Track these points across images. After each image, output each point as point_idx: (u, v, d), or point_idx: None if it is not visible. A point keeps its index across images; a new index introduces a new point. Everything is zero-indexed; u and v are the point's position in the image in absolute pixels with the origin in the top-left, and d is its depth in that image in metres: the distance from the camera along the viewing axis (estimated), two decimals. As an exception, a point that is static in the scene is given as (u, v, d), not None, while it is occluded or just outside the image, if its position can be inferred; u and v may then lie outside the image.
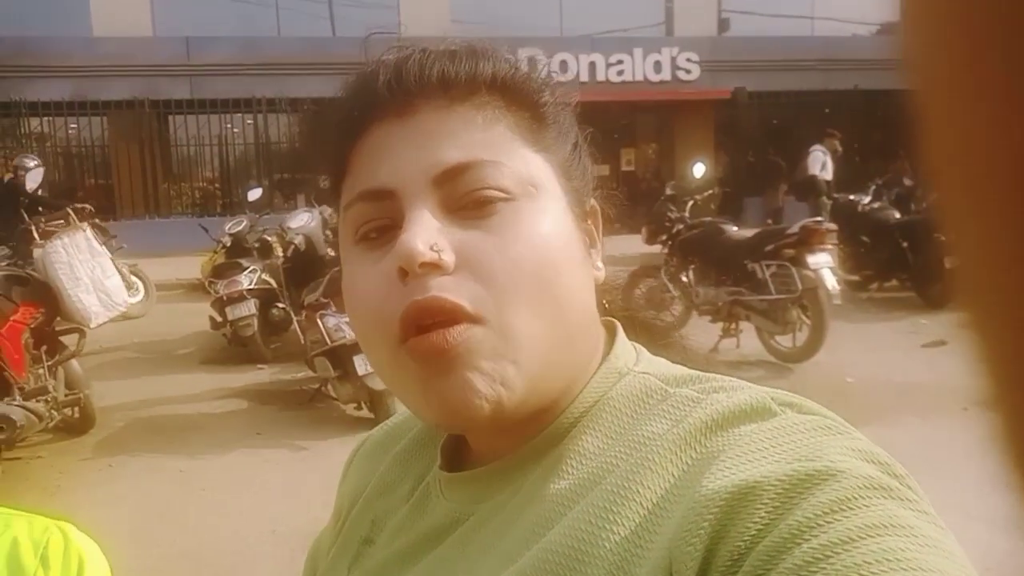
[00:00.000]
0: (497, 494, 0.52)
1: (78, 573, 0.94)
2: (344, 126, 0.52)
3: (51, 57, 13.32)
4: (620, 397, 0.51)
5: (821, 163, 10.77)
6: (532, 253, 0.48)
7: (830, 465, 0.39)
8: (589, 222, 0.56)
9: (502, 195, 0.48)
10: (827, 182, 10.61)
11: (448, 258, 0.47)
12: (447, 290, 0.46)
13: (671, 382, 0.50)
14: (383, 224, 0.50)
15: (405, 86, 0.50)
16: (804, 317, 5.21)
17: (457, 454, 0.58)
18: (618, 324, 0.57)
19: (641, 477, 0.44)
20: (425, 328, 0.46)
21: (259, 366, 6.20)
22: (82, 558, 0.95)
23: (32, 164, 7.50)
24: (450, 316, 0.46)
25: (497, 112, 0.51)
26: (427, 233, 0.47)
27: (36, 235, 4.59)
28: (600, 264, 0.56)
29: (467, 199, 0.48)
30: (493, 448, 0.54)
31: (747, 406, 0.45)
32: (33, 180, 5.91)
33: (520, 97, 0.53)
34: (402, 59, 0.51)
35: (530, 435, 0.52)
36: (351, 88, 0.53)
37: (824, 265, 5.17)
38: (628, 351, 0.55)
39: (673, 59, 15.30)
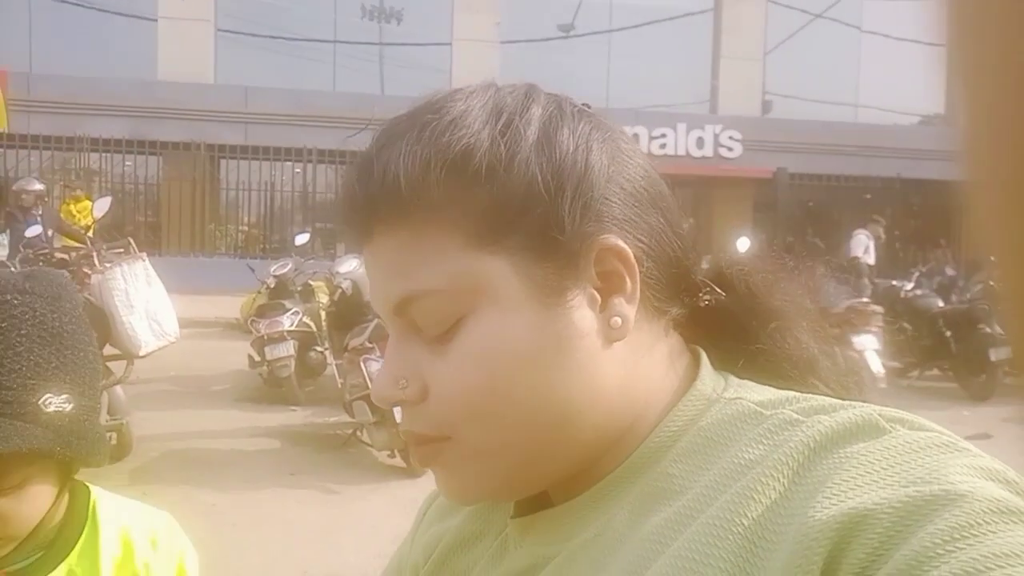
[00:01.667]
0: (580, 532, 0.50)
1: (180, 561, 0.98)
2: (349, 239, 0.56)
3: (115, 97, 13.91)
4: (711, 425, 0.48)
5: (864, 246, 10.80)
6: (480, 375, 0.48)
7: (950, 488, 0.36)
8: (613, 265, 0.49)
9: (451, 319, 0.49)
10: (869, 266, 10.59)
11: (413, 391, 0.50)
12: (415, 422, 0.51)
13: (766, 405, 0.47)
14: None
15: (361, 211, 0.50)
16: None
17: (534, 498, 0.55)
18: (702, 351, 0.54)
19: (743, 508, 0.41)
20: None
21: (292, 407, 6.22)
22: (184, 548, 0.99)
23: (36, 187, 8.01)
24: (420, 441, 0.51)
25: (434, 216, 0.48)
26: (394, 369, 0.51)
27: (96, 261, 4.71)
28: (619, 318, 0.49)
29: (424, 325, 0.50)
30: (567, 487, 0.52)
31: (853, 424, 0.42)
32: (100, 209, 6.10)
33: (468, 186, 0.48)
34: (362, 170, 0.50)
35: (607, 470, 0.50)
36: (340, 195, 0.54)
37: (869, 347, 5.11)
38: (715, 377, 0.52)
39: (716, 136, 15.52)
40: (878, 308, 5.40)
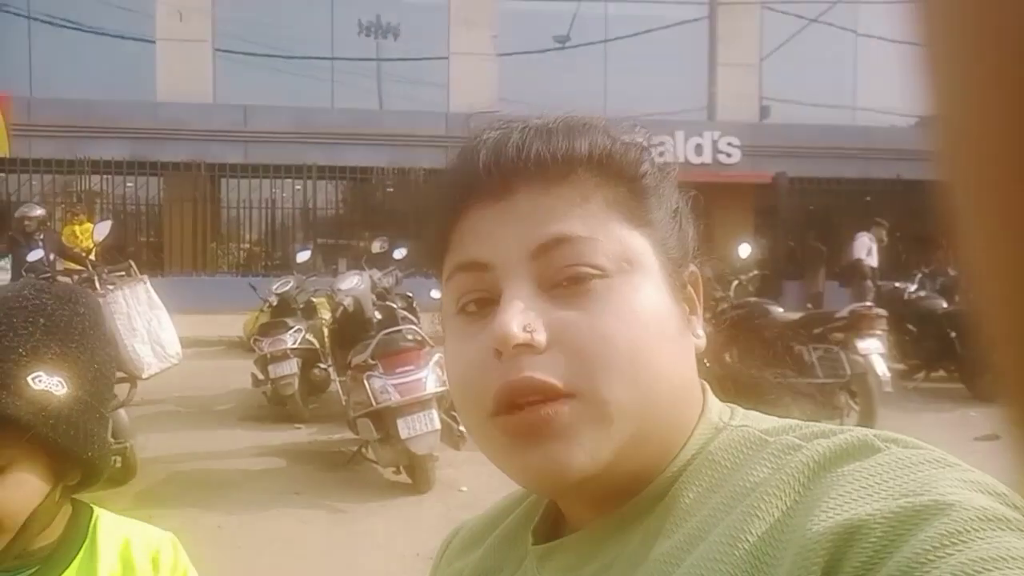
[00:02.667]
0: (598, 558, 0.51)
1: None
2: (446, 205, 0.54)
3: (116, 119, 13.98)
4: (718, 451, 0.50)
5: (867, 249, 10.77)
6: (623, 329, 0.48)
7: (939, 498, 0.38)
8: (689, 288, 0.56)
9: (596, 272, 0.49)
10: (872, 268, 10.56)
11: (540, 338, 0.48)
12: (539, 369, 0.48)
13: (770, 432, 0.50)
14: (481, 296, 0.52)
15: (503, 169, 0.52)
16: (852, 403, 5.10)
17: (553, 528, 0.57)
18: (706, 384, 0.57)
19: (748, 525, 0.43)
20: (519, 406, 0.48)
21: (296, 425, 6.21)
22: (186, 568, 0.99)
23: (37, 212, 8.04)
24: (542, 395, 0.48)
25: (594, 189, 0.52)
26: (521, 314, 0.48)
27: (98, 285, 4.71)
28: (700, 331, 0.56)
29: (562, 275, 0.50)
30: (588, 514, 0.53)
31: (849, 445, 0.44)
32: (100, 233, 6.12)
33: (617, 172, 0.53)
34: (501, 141, 0.53)
35: (624, 498, 0.52)
36: (454, 167, 0.55)
37: (874, 351, 5.08)
38: (721, 407, 0.55)
39: (715, 143, 15.53)
40: (882, 312, 5.38)
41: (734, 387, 0.60)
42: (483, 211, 0.52)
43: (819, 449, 0.45)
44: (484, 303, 0.52)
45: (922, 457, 0.42)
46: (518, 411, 0.48)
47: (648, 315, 0.50)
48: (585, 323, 0.48)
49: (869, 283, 8.85)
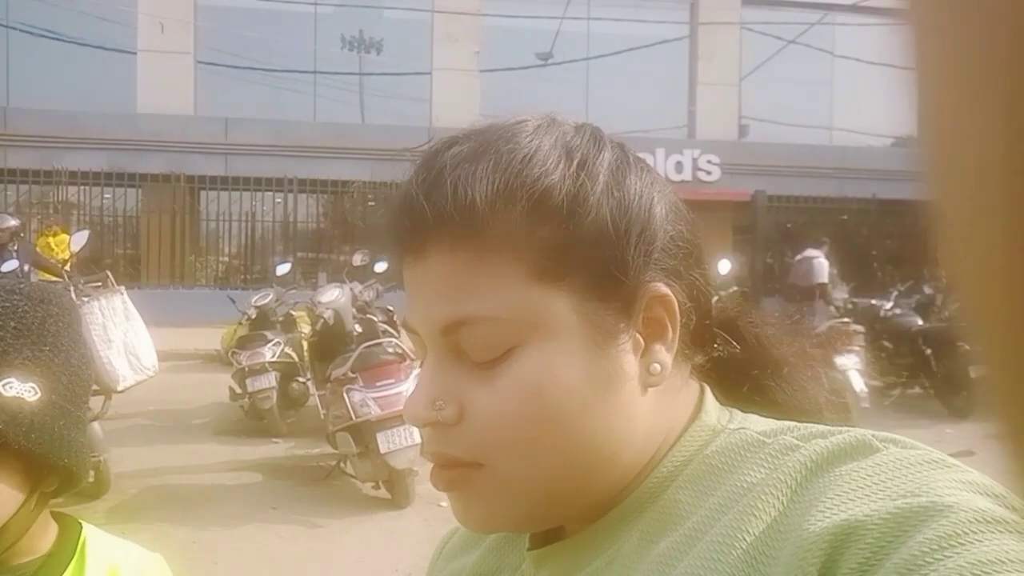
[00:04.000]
0: (593, 560, 0.51)
1: None
2: (392, 254, 0.55)
3: (94, 130, 13.85)
4: (715, 454, 0.50)
5: (826, 270, 10.77)
6: (523, 410, 0.48)
7: (937, 500, 0.37)
8: (657, 312, 0.51)
9: (501, 348, 0.49)
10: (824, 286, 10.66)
11: (448, 414, 0.50)
12: (447, 444, 0.50)
13: (768, 434, 0.49)
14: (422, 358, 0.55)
15: (416, 226, 0.50)
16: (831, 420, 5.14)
17: (550, 532, 0.57)
18: (705, 386, 0.56)
19: (745, 525, 0.43)
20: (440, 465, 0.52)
21: (274, 440, 6.15)
22: None
23: (11, 223, 7.93)
24: (449, 464, 0.51)
25: (499, 244, 0.48)
26: (430, 389, 0.50)
27: (73, 295, 4.65)
28: (658, 365, 0.51)
29: (472, 349, 0.50)
30: (580, 518, 0.53)
31: (847, 445, 0.44)
32: (77, 243, 6.05)
33: (521, 214, 0.48)
34: (422, 185, 0.50)
35: (616, 501, 0.52)
36: (389, 212, 0.53)
37: (852, 367, 5.14)
38: (720, 411, 0.54)
39: (695, 160, 15.70)
40: (859, 328, 5.45)
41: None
42: (409, 270, 0.52)
43: (817, 449, 0.45)
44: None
45: (920, 458, 0.42)
46: (438, 468, 0.52)
47: (556, 389, 0.48)
48: (489, 403, 0.49)
49: (833, 309, 8.89)
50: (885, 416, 7.04)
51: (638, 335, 0.51)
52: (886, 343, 7.79)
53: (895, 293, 8.82)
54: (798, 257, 11.15)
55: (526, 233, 0.48)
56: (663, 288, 0.51)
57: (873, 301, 8.68)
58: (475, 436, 0.49)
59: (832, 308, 8.81)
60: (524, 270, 0.48)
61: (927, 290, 8.92)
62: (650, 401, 0.51)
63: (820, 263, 10.75)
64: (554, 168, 0.49)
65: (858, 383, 5.12)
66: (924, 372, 7.50)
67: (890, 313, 8.24)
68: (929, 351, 7.38)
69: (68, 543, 0.92)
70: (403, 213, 0.50)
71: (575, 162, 0.50)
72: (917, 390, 7.81)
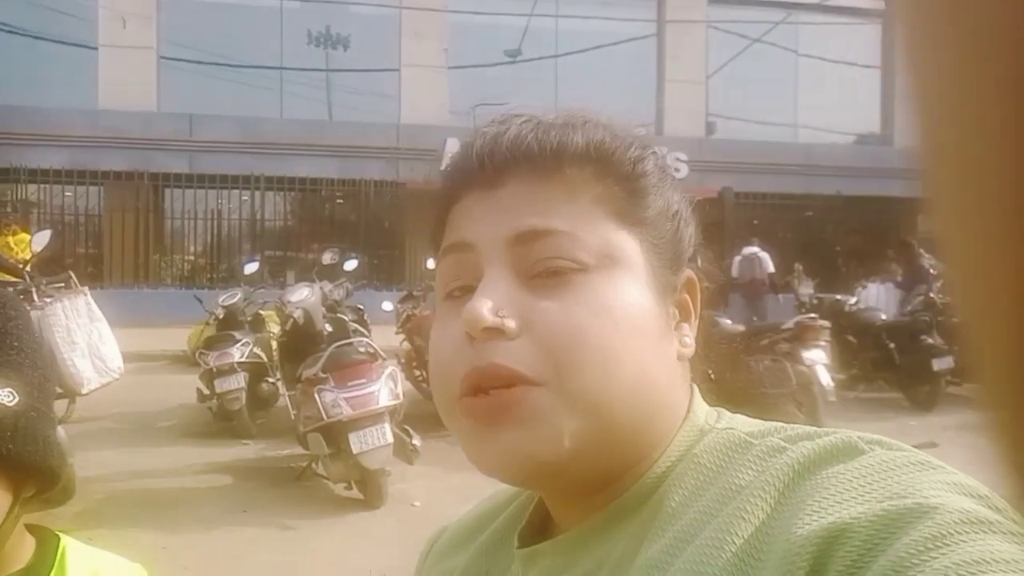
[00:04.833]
0: (584, 561, 0.51)
1: None
2: (445, 191, 0.57)
3: (54, 126, 13.54)
4: (704, 453, 0.51)
5: (770, 261, 11.30)
6: (595, 323, 0.48)
7: (923, 501, 0.38)
8: (684, 294, 0.56)
9: (574, 265, 0.50)
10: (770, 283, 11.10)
11: (511, 324, 0.49)
12: (507, 357, 0.48)
13: (755, 434, 0.50)
14: (466, 284, 0.53)
15: (496, 160, 0.53)
16: (799, 412, 5.23)
17: (541, 531, 0.57)
18: (694, 386, 0.57)
19: (734, 527, 0.43)
20: (484, 391, 0.49)
21: (244, 441, 6.07)
22: None
23: None
24: (507, 381, 0.48)
25: (583, 184, 0.52)
26: (494, 298, 0.49)
27: (35, 297, 4.55)
28: (689, 340, 0.55)
29: (540, 266, 0.50)
30: (573, 515, 0.54)
31: (833, 447, 0.45)
32: (38, 243, 5.91)
33: (612, 169, 0.53)
34: (497, 134, 0.54)
35: (608, 499, 0.52)
36: (455, 157, 0.57)
37: (819, 361, 5.23)
38: (708, 411, 0.55)
39: (663, 157, 15.82)
40: (826, 323, 5.54)
41: None
42: (475, 198, 0.54)
43: (803, 451, 0.45)
44: (468, 290, 0.52)
45: (906, 459, 0.43)
46: (483, 395, 0.48)
47: (624, 311, 0.50)
48: (557, 314, 0.49)
49: (797, 301, 9.13)
50: (850, 409, 7.16)
51: (675, 308, 0.55)
52: (851, 338, 7.93)
53: (860, 289, 8.98)
54: (738, 256, 11.48)
55: (618, 180, 0.54)
56: (694, 274, 0.57)
57: (838, 297, 8.84)
58: (540, 349, 0.48)
59: (797, 301, 8.97)
60: (603, 209, 0.52)
61: (892, 285, 9.10)
62: (677, 377, 0.54)
63: (764, 256, 11.12)
64: (631, 141, 0.56)
65: (825, 377, 5.21)
66: (888, 366, 7.65)
67: (855, 308, 8.39)
68: (892, 345, 7.54)
69: (47, 555, 0.91)
70: (487, 146, 0.54)
71: (650, 147, 0.57)
72: (881, 383, 7.97)
